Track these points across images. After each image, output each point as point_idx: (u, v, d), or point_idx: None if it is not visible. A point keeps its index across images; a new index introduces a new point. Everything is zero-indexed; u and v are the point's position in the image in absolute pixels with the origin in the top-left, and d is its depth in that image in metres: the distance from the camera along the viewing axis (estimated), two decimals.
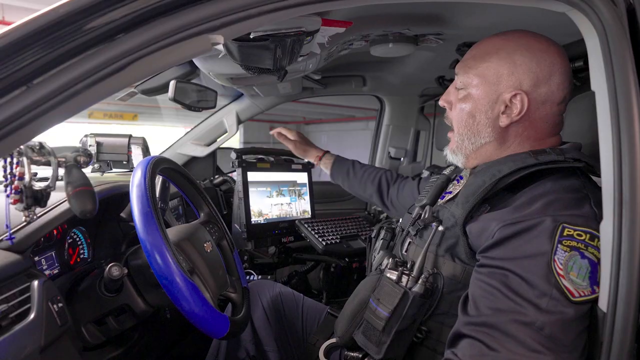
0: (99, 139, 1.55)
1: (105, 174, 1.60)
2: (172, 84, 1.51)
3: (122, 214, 1.42)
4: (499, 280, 0.79)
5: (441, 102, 1.07)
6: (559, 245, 0.77)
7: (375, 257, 1.19)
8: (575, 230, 0.78)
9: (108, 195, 1.29)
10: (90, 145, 1.54)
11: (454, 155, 1.05)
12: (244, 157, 1.90)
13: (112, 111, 10.97)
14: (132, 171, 1.05)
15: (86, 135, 1.54)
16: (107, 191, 1.28)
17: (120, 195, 1.33)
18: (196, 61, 1.38)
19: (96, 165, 1.56)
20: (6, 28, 0.60)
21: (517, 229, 0.81)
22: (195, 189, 1.33)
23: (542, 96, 0.93)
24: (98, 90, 0.63)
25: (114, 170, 1.61)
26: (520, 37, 0.96)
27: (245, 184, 1.87)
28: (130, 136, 1.59)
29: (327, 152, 1.80)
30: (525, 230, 0.80)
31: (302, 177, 2.11)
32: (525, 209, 0.83)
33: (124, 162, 1.58)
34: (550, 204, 0.82)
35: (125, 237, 1.41)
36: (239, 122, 2.27)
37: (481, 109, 0.97)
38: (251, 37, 0.94)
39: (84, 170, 0.89)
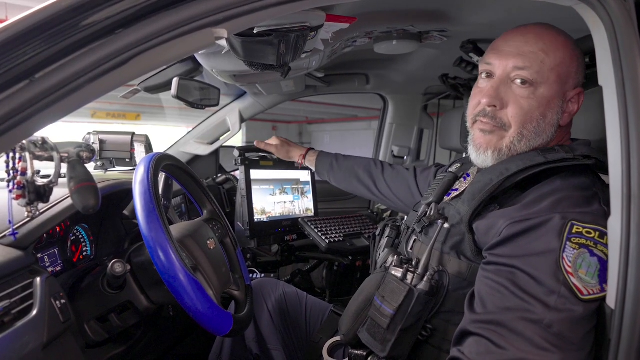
0: (102, 137, 1.54)
1: (108, 172, 1.60)
2: (175, 81, 1.51)
3: (125, 212, 1.42)
4: (506, 277, 0.78)
5: (489, 101, 0.93)
6: (568, 243, 0.76)
7: (380, 255, 1.18)
8: (584, 227, 0.77)
9: (111, 192, 1.28)
10: (93, 143, 1.54)
11: (496, 154, 0.95)
12: (246, 155, 1.90)
13: (115, 111, 11.00)
14: (135, 169, 1.05)
15: (89, 133, 1.54)
16: (109, 188, 1.28)
17: (123, 192, 1.32)
18: (199, 58, 1.37)
19: (99, 163, 1.56)
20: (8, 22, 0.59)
21: (525, 226, 0.80)
22: (199, 186, 1.33)
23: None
24: (101, 84, 0.63)
25: (116, 167, 1.61)
26: (563, 32, 0.94)
27: (248, 181, 1.87)
28: (133, 134, 1.59)
29: (311, 149, 1.75)
30: (534, 227, 0.79)
31: (305, 175, 2.10)
32: (533, 207, 0.82)
33: (127, 160, 1.58)
34: (559, 201, 0.81)
35: (128, 234, 1.41)
36: (242, 120, 2.27)
37: (554, 108, 0.92)
38: (255, 32, 0.94)
39: (86, 166, 0.88)
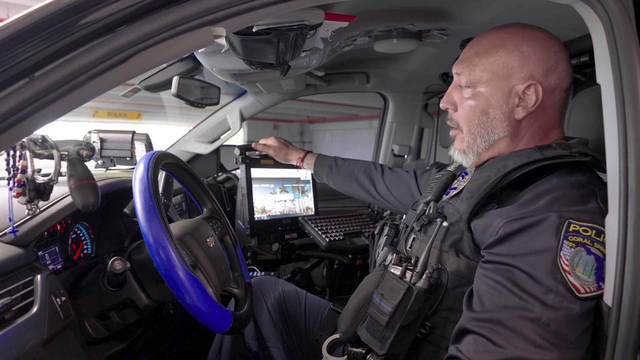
0: (103, 135, 1.55)
1: (108, 170, 1.61)
2: (175, 80, 1.52)
3: (125, 210, 1.42)
4: (504, 276, 0.79)
5: (443, 105, 1.05)
6: (565, 241, 0.76)
7: (379, 253, 1.18)
8: (581, 226, 0.78)
9: (111, 190, 1.28)
10: (94, 142, 1.54)
11: (463, 155, 1.03)
12: (247, 153, 1.90)
13: (116, 110, 11.00)
14: (135, 167, 1.05)
15: (90, 132, 1.55)
16: (110, 186, 1.28)
17: (123, 190, 1.33)
18: (199, 57, 1.38)
19: (100, 162, 1.57)
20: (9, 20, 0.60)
21: (522, 224, 0.80)
22: (198, 184, 1.33)
23: (552, 84, 0.94)
24: (100, 82, 0.63)
25: (117, 166, 1.61)
26: (523, 29, 0.96)
27: (249, 180, 1.87)
28: (133, 132, 1.59)
29: (309, 152, 1.77)
30: (531, 226, 0.80)
31: (305, 174, 2.11)
32: (530, 205, 0.83)
33: (128, 159, 1.58)
34: (556, 200, 0.81)
35: (128, 232, 1.41)
36: (242, 119, 2.27)
37: (495, 104, 0.95)
38: (254, 30, 0.94)
39: (87, 164, 0.89)
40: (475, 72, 0.96)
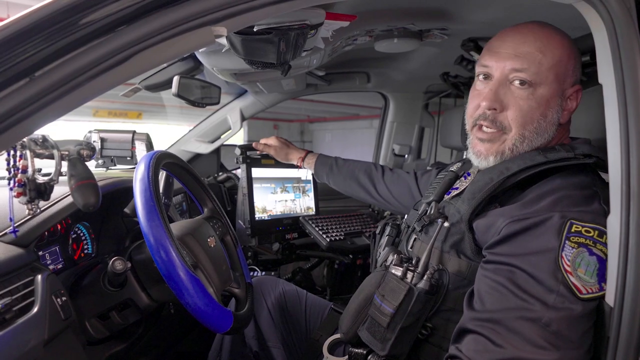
0: (103, 135, 1.55)
1: (109, 170, 1.61)
2: (175, 79, 1.52)
3: (126, 210, 1.42)
4: (505, 276, 0.79)
5: (490, 104, 0.92)
6: (567, 242, 0.76)
7: (380, 253, 1.18)
8: (583, 226, 0.77)
9: (112, 190, 1.28)
10: (94, 141, 1.54)
11: (499, 157, 0.94)
12: (248, 153, 1.90)
13: (116, 109, 11.00)
14: (135, 167, 1.05)
15: (90, 131, 1.55)
16: (110, 186, 1.28)
17: (123, 190, 1.32)
18: (200, 56, 1.38)
19: (100, 161, 1.57)
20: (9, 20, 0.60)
21: (524, 225, 0.80)
22: (199, 184, 1.33)
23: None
24: (101, 82, 0.63)
25: (117, 166, 1.61)
26: (559, 30, 0.94)
27: (250, 180, 1.87)
28: (134, 132, 1.59)
29: (310, 151, 1.77)
30: (533, 226, 0.79)
31: (306, 174, 2.10)
32: (533, 205, 0.82)
33: (128, 158, 1.58)
34: (559, 200, 0.81)
35: (128, 232, 1.41)
36: (243, 119, 2.27)
37: (554, 107, 0.92)
38: (255, 30, 0.94)
39: (87, 164, 0.89)
40: (542, 70, 0.89)
